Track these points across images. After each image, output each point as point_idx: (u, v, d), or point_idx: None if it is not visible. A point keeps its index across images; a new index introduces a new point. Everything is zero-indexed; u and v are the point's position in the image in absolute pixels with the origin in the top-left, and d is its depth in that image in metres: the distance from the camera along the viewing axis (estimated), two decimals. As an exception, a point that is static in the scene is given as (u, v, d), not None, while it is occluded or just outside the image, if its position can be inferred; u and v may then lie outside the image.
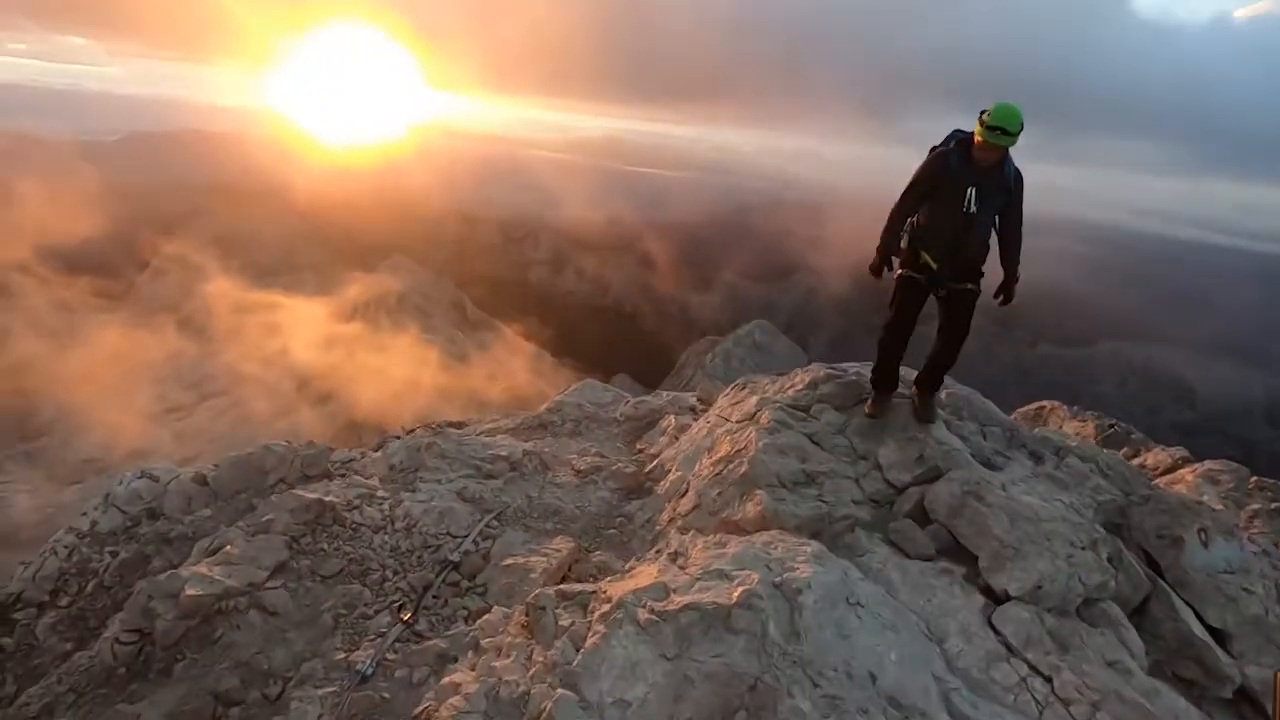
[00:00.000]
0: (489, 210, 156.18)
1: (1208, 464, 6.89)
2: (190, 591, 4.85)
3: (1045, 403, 21.15)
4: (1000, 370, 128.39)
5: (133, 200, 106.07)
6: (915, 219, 4.89)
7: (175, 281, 73.61)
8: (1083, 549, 4.40)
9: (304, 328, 64.56)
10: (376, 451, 7.36)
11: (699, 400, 9.14)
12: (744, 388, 6.91)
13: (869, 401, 5.56)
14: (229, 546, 5.38)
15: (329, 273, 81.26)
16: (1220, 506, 5.95)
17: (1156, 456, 7.43)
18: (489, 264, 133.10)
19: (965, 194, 4.52)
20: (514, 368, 73.72)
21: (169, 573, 5.19)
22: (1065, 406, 20.07)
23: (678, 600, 3.66)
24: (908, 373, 5.86)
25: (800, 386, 6.19)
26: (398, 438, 7.96)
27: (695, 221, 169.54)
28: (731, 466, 5.40)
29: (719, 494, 5.27)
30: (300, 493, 5.97)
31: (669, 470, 6.35)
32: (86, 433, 44.07)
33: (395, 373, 59.26)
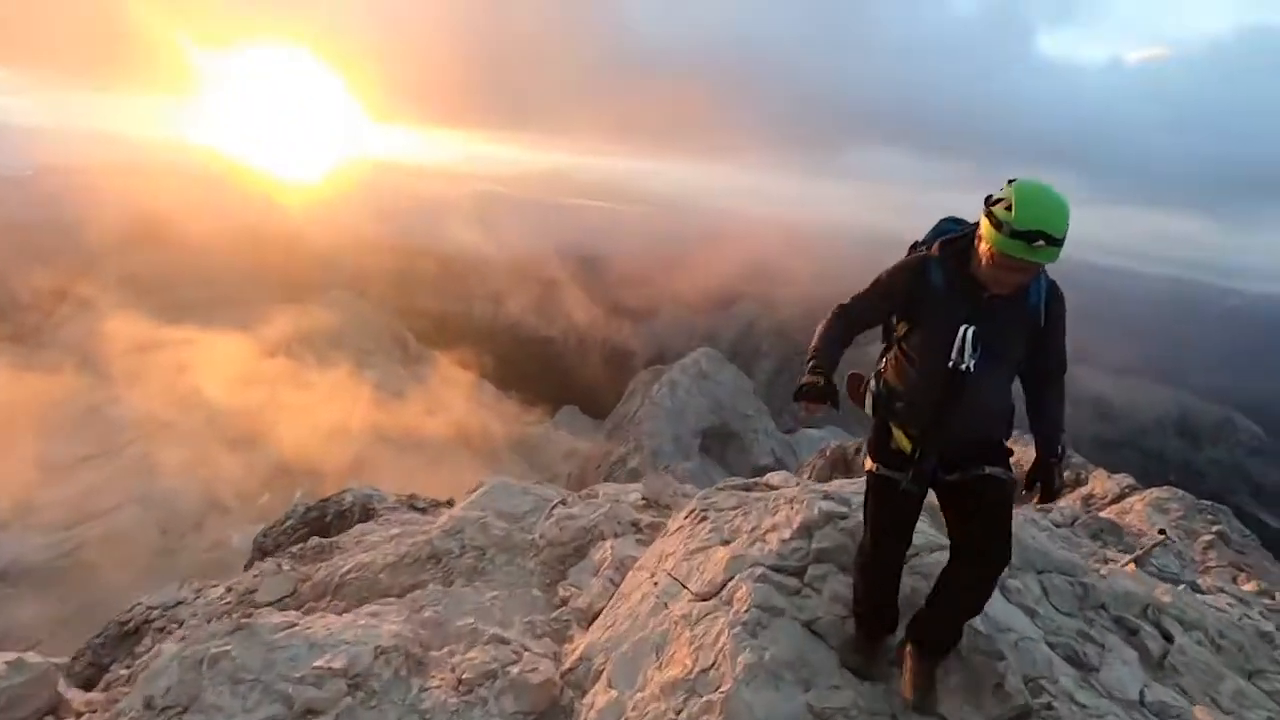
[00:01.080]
0: (431, 243, 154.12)
1: (1154, 492, 6.67)
2: None
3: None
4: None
5: (45, 238, 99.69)
6: (880, 369, 3.17)
7: (84, 323, 69.04)
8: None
9: (225, 367, 61.26)
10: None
11: (644, 501, 7.29)
12: (702, 518, 4.70)
13: (853, 641, 3.34)
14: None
15: (256, 309, 77.85)
16: (1175, 539, 5.59)
17: (1103, 485, 7.21)
18: (431, 298, 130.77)
19: (955, 336, 2.67)
20: (455, 401, 71.74)
21: None
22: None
23: None
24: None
25: (789, 535, 4.00)
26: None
27: (640, 252, 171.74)
28: (694, 709, 3.22)
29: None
30: None
31: (599, 671, 4.03)
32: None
33: (324, 412, 56.63)
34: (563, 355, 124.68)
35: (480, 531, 6.43)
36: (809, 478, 27.97)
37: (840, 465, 27.62)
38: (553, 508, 6.81)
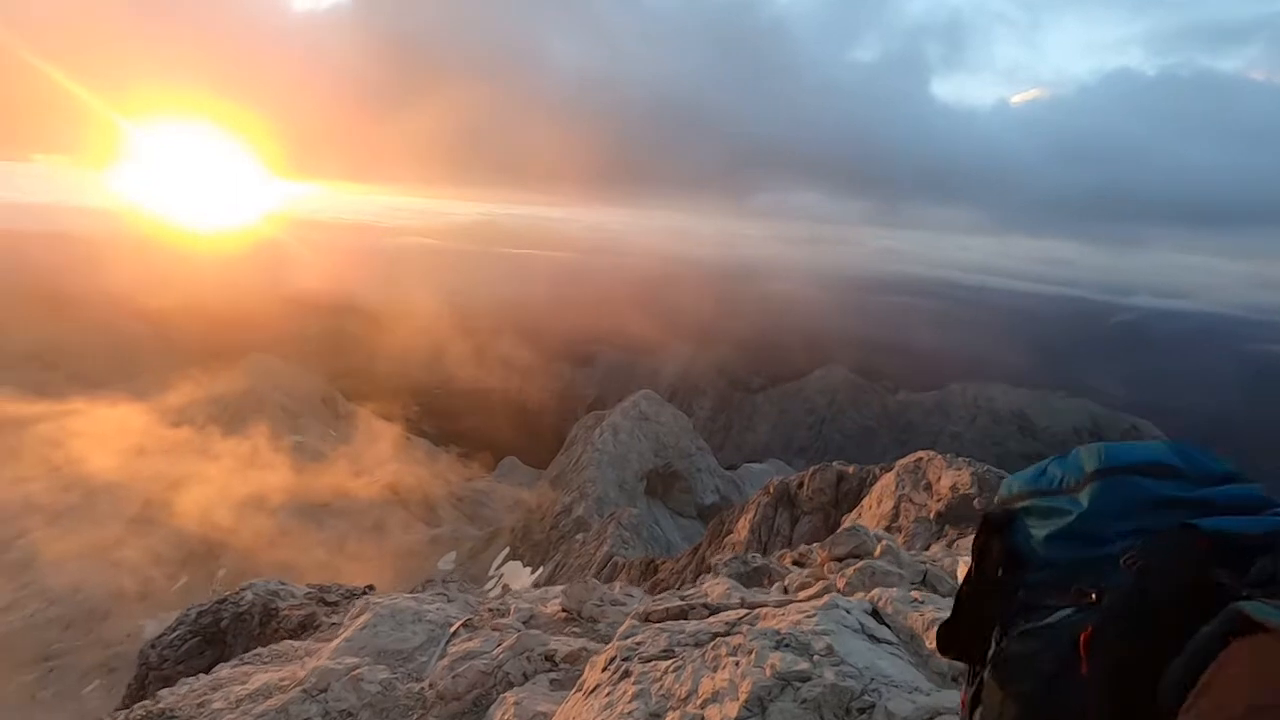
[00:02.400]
0: (360, 299, 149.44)
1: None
2: None
3: (922, 454, 21.51)
4: (870, 417, 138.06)
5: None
6: None
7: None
8: None
9: (121, 439, 56.26)
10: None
11: (564, 613, 5.92)
12: (625, 673, 3.51)
13: None
14: None
15: (162, 377, 72.56)
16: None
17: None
18: (361, 355, 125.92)
19: None
20: (388, 460, 68.27)
21: None
22: (941, 456, 20.42)
23: None
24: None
25: (734, 714, 2.77)
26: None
27: (571, 298, 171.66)
28: None
29: None
30: None
31: None
32: None
33: (240, 482, 52.55)
34: (500, 406, 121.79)
35: (350, 689, 5.03)
36: (754, 517, 27.26)
37: (785, 500, 27.12)
38: (449, 640, 5.53)
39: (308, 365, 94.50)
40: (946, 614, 1.11)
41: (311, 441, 67.43)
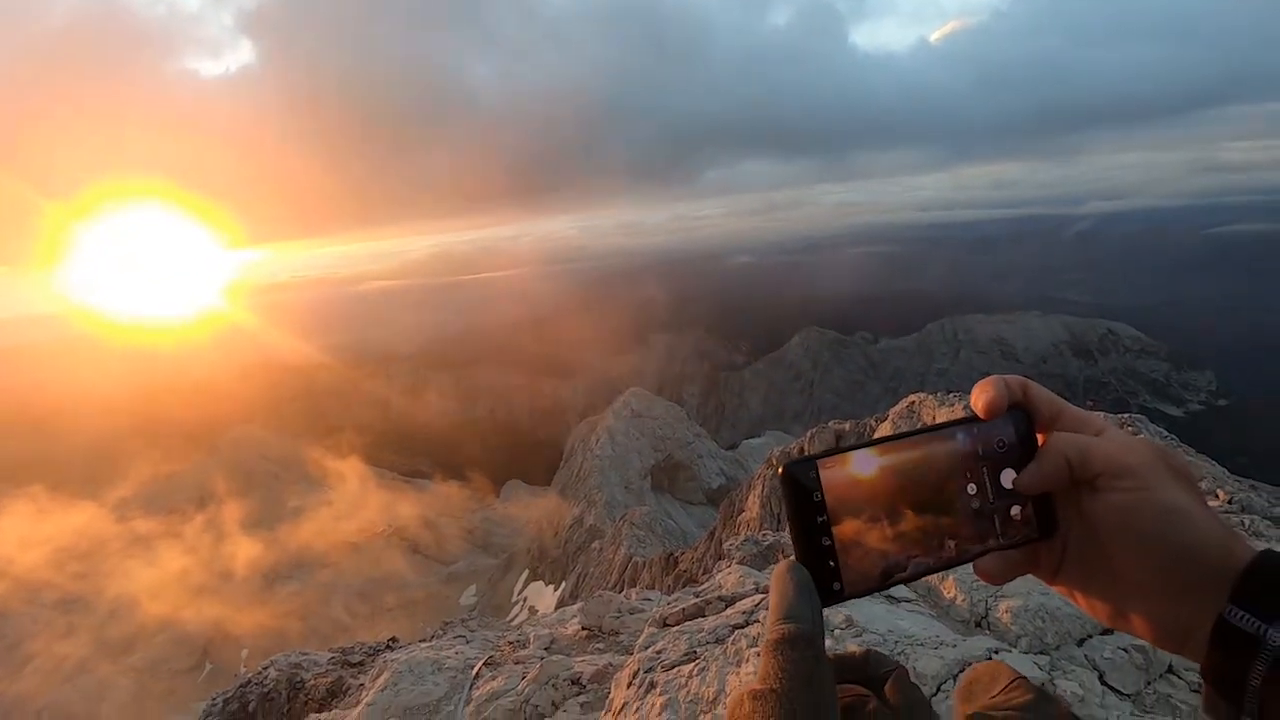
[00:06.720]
0: (330, 352, 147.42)
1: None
2: None
3: (914, 397, 21.71)
4: (856, 371, 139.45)
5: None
6: None
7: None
8: None
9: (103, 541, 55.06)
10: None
11: (585, 631, 5.50)
12: (650, 685, 3.35)
13: None
14: None
15: (137, 468, 71.11)
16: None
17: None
18: (341, 408, 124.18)
19: None
20: (384, 505, 67.54)
21: None
22: (932, 396, 20.63)
23: None
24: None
25: None
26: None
27: (541, 313, 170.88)
28: None
29: None
30: None
31: None
32: None
33: (225, 558, 51.61)
34: (494, 432, 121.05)
35: None
36: (762, 492, 27.30)
37: (790, 472, 27.26)
38: (473, 684, 5.35)
39: (289, 430, 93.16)
40: None
41: (303, 502, 66.50)
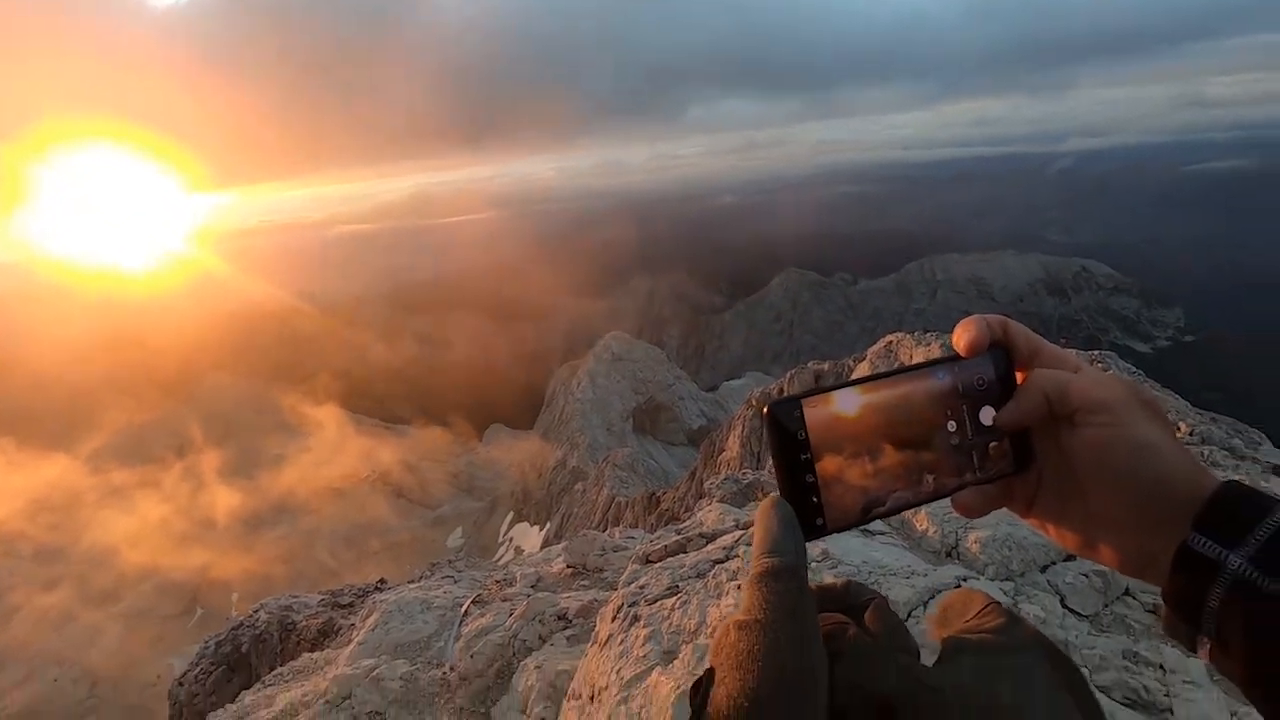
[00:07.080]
0: (304, 298, 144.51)
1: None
2: None
3: (891, 337, 21.98)
4: (835, 312, 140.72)
5: None
6: None
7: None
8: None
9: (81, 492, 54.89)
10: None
11: (570, 568, 5.72)
12: (634, 618, 3.58)
13: None
14: None
15: (117, 420, 70.16)
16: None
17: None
18: (319, 354, 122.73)
19: None
20: (374, 453, 67.84)
21: None
22: (909, 335, 20.90)
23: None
24: None
25: None
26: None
27: (518, 256, 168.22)
28: None
29: None
30: None
31: None
32: None
33: (207, 505, 51.89)
34: (471, 376, 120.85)
35: (373, 690, 4.96)
36: (742, 432, 27.80)
37: (769, 411, 27.80)
38: (462, 621, 5.50)
39: (265, 376, 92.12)
40: None
41: (284, 450, 66.50)
